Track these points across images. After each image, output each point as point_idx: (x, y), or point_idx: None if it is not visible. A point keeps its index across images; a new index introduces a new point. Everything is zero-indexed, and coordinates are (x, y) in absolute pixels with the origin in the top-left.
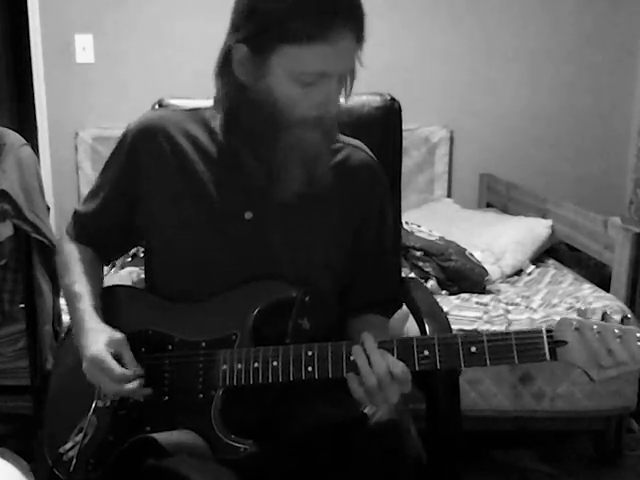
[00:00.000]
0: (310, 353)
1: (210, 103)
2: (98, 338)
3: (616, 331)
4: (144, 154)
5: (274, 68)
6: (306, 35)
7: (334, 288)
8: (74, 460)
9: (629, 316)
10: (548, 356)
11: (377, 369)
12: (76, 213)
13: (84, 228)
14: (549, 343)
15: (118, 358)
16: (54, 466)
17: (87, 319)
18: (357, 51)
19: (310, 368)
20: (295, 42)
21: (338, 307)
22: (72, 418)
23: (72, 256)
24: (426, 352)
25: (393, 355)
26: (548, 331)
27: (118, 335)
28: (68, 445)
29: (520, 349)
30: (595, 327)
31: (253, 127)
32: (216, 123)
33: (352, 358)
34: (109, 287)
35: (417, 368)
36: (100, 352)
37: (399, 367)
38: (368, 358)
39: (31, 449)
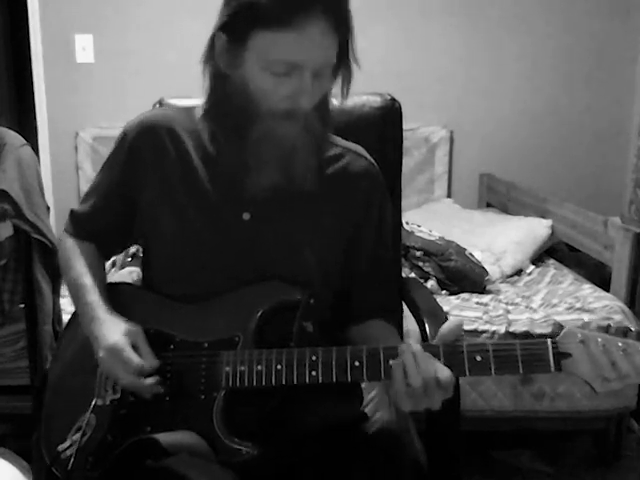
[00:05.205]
0: (314, 357)
1: None
2: (115, 328)
3: (620, 344)
4: (146, 152)
5: (248, 56)
6: (276, 19)
7: (327, 291)
8: (72, 459)
9: (632, 329)
10: (553, 368)
11: (424, 373)
12: (73, 212)
13: (83, 225)
14: (554, 355)
15: (135, 350)
16: (52, 464)
17: (99, 310)
18: (334, 44)
19: (314, 372)
20: (265, 27)
21: (330, 311)
22: (71, 416)
23: (74, 251)
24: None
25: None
26: (553, 342)
27: (135, 327)
28: (66, 444)
29: (525, 359)
30: (600, 340)
31: (231, 119)
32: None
33: (397, 360)
34: (111, 284)
35: None
36: (119, 341)
37: (446, 373)
38: (415, 359)
39: (31, 449)
